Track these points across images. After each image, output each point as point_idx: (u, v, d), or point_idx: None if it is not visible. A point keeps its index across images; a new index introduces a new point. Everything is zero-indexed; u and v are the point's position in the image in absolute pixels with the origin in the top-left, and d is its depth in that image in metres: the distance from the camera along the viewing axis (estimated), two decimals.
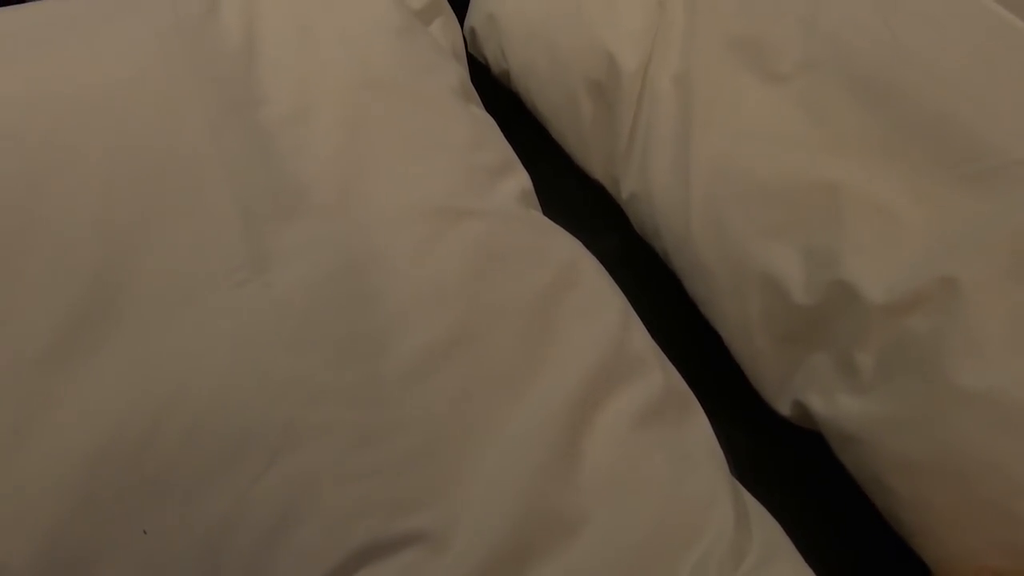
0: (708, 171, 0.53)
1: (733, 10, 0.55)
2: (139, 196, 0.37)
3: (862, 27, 0.49)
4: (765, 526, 0.39)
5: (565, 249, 0.45)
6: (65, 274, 0.34)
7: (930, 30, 0.48)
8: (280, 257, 0.37)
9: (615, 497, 0.35)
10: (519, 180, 0.49)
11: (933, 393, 0.40)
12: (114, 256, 0.35)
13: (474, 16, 0.73)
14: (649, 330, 0.46)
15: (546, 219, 0.48)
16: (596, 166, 0.64)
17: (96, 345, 0.33)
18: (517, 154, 0.52)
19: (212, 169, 0.39)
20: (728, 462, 0.42)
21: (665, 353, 0.46)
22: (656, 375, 0.41)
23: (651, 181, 0.57)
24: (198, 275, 0.36)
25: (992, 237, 0.41)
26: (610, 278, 0.48)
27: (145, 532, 0.30)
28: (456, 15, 0.64)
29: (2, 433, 0.31)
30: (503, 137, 0.53)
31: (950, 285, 0.41)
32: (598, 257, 0.49)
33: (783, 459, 0.50)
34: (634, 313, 0.46)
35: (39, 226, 0.35)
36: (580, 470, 0.35)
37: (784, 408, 0.50)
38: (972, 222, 0.43)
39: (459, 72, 0.51)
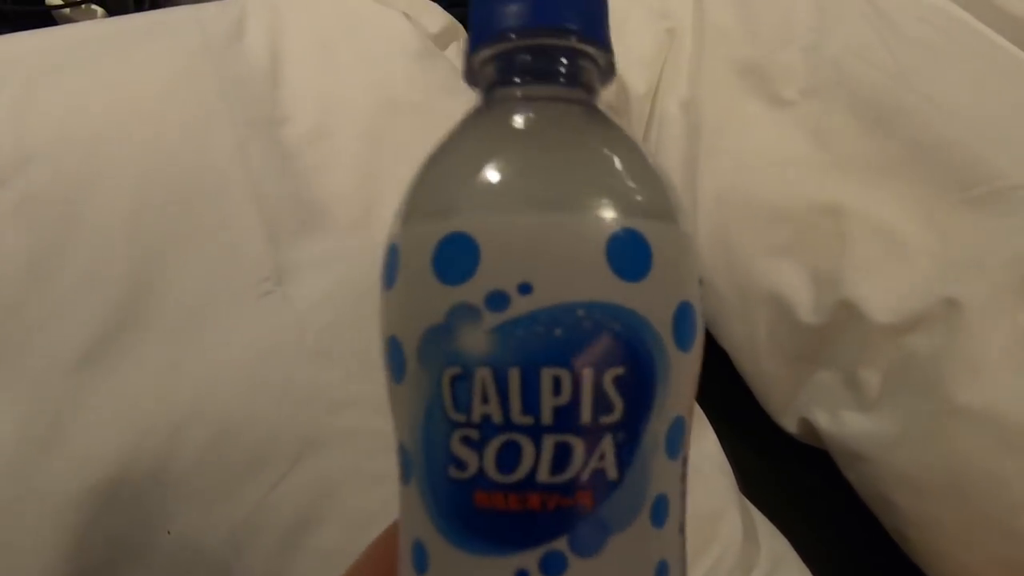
0: (715, 194, 0.54)
1: (739, 38, 0.57)
2: (169, 209, 0.39)
3: (865, 54, 0.51)
4: (772, 539, 0.39)
5: None
6: (98, 283, 0.35)
7: (932, 57, 0.49)
8: (302, 270, 0.38)
9: None
10: None
11: (936, 411, 0.41)
12: (145, 266, 0.36)
13: None
14: None
15: None
16: None
17: (125, 352, 0.34)
18: None
19: (237, 184, 0.40)
20: (735, 478, 0.43)
21: None
22: None
23: None
24: (224, 285, 0.37)
25: (995, 259, 0.42)
26: None
27: (169, 533, 0.30)
28: None
29: (35, 436, 0.31)
30: None
31: (953, 306, 0.42)
32: None
33: (789, 476, 0.51)
34: None
35: (74, 236, 0.36)
36: None
37: (790, 425, 0.50)
38: (975, 245, 0.43)
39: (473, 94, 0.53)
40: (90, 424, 0.32)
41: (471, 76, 0.16)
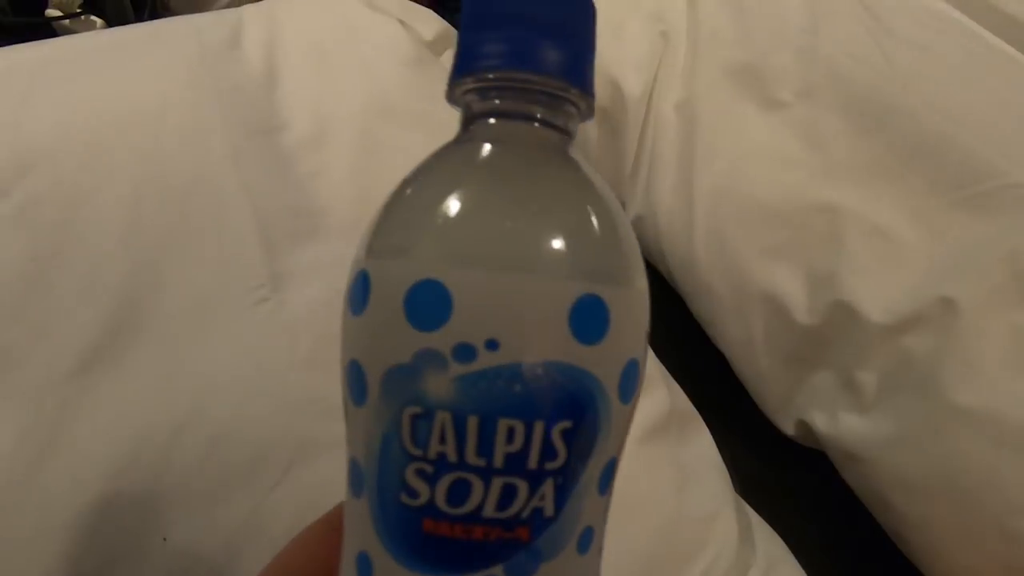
0: (710, 195, 0.54)
1: (733, 40, 0.57)
2: (165, 217, 0.39)
3: (858, 55, 0.51)
4: (768, 540, 0.39)
5: None
6: (95, 291, 0.36)
7: (925, 57, 0.49)
8: (296, 276, 0.38)
9: (619, 511, 0.35)
10: None
11: (932, 412, 0.41)
12: (141, 274, 0.37)
13: None
14: (653, 349, 0.47)
15: None
16: None
17: (122, 359, 0.34)
18: None
19: (233, 191, 0.41)
20: (732, 480, 0.42)
21: (670, 372, 0.46)
22: (660, 393, 0.42)
23: (655, 204, 0.58)
24: (219, 293, 0.37)
25: (990, 258, 0.42)
26: None
27: (165, 540, 0.31)
28: None
29: (33, 443, 0.32)
30: None
31: (948, 306, 0.42)
32: None
33: (786, 478, 0.51)
34: None
35: (72, 245, 0.37)
36: None
37: (787, 427, 0.50)
38: (970, 244, 0.43)
39: None
40: (87, 431, 0.33)
41: (452, 98, 0.17)
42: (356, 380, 0.15)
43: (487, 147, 0.15)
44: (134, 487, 0.31)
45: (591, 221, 0.15)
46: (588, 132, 0.64)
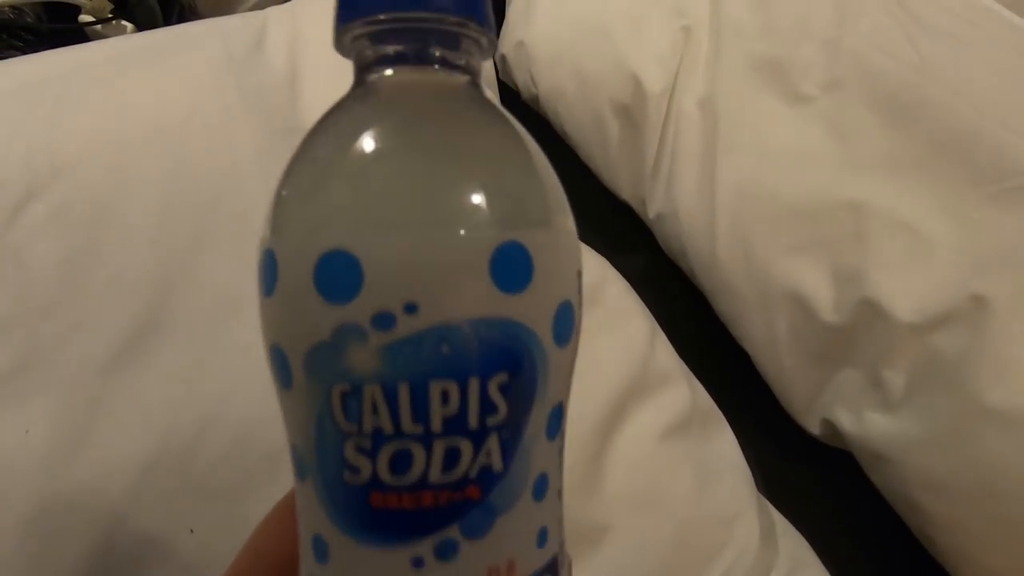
0: (733, 191, 0.53)
1: (757, 33, 0.56)
2: (192, 218, 0.40)
3: (886, 46, 0.50)
4: (792, 541, 0.39)
5: (590, 268, 0.46)
6: (126, 289, 0.37)
7: (956, 48, 0.48)
8: None
9: (639, 510, 0.35)
10: None
11: (964, 412, 0.40)
12: (170, 272, 0.38)
13: (504, 44, 0.76)
14: (677, 347, 0.46)
15: None
16: (623, 187, 0.65)
17: (150, 356, 0.35)
18: None
19: (257, 191, 0.41)
20: (756, 480, 0.42)
21: (693, 371, 0.46)
22: (681, 391, 0.42)
23: (677, 201, 0.58)
24: (244, 291, 0.38)
25: (1022, 254, 0.41)
26: (636, 296, 0.48)
27: (192, 532, 0.31)
28: None
29: (67, 437, 0.33)
30: None
31: (979, 303, 0.41)
32: (626, 275, 0.50)
33: (812, 477, 0.50)
34: (660, 330, 0.46)
35: (102, 247, 0.38)
36: (604, 483, 0.36)
37: (813, 426, 0.49)
38: (1002, 240, 0.42)
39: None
40: (117, 426, 0.34)
41: (340, 46, 0.15)
42: (280, 364, 0.14)
43: (383, 98, 0.14)
44: (161, 480, 0.32)
45: (503, 165, 0.14)
46: (609, 129, 0.64)
